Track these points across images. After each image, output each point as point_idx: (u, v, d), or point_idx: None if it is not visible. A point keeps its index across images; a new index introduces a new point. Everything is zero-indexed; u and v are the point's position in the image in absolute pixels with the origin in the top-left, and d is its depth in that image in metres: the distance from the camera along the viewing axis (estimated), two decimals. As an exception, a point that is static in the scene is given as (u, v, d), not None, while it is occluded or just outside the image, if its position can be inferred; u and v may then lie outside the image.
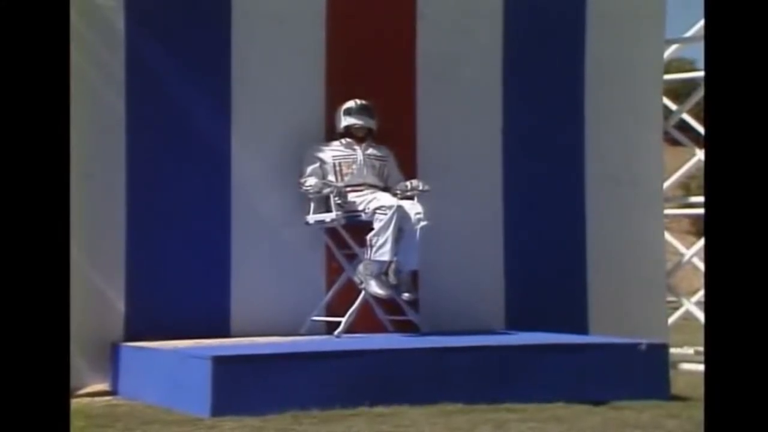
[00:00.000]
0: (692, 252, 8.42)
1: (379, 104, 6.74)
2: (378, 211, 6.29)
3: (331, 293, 6.61)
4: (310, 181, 6.53)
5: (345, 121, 6.70)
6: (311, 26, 6.85)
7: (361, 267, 6.36)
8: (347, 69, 6.87)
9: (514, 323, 7.01)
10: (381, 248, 6.24)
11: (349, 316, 6.37)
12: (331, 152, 6.66)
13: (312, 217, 6.56)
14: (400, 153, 6.84)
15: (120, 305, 6.33)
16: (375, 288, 6.28)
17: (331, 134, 6.76)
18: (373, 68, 6.92)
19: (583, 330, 7.16)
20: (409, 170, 6.80)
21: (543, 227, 7.29)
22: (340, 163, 6.62)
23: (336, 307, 6.54)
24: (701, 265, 7.87)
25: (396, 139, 6.86)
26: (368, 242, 6.28)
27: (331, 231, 6.54)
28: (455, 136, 7.13)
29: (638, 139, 7.68)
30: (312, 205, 6.56)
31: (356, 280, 6.42)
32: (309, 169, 6.60)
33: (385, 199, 6.39)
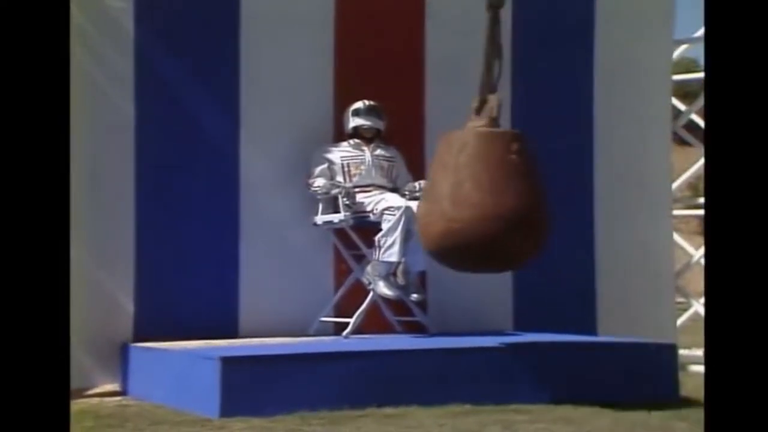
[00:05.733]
0: (701, 253, 8.38)
1: (387, 105, 6.74)
2: (386, 212, 6.29)
3: (339, 294, 6.62)
4: (319, 182, 6.54)
5: (353, 122, 6.70)
6: (320, 27, 6.85)
7: (369, 268, 6.37)
8: (355, 69, 6.87)
9: (522, 324, 7.01)
10: (389, 249, 6.25)
11: (358, 317, 6.37)
12: (340, 153, 6.66)
13: (320, 218, 6.57)
14: (409, 154, 6.84)
15: (129, 306, 6.34)
16: (383, 289, 6.29)
17: (340, 135, 6.77)
18: (381, 69, 6.92)
19: (591, 331, 7.15)
20: (417, 171, 6.80)
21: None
22: (348, 164, 6.62)
23: (344, 308, 6.54)
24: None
25: (404, 140, 6.86)
26: (376, 243, 6.29)
27: (340, 232, 6.55)
28: (463, 137, 7.12)
29: (647, 140, 7.67)
30: (320, 206, 6.58)
31: (364, 281, 6.43)
32: (317, 169, 6.60)
33: (394, 199, 6.39)
